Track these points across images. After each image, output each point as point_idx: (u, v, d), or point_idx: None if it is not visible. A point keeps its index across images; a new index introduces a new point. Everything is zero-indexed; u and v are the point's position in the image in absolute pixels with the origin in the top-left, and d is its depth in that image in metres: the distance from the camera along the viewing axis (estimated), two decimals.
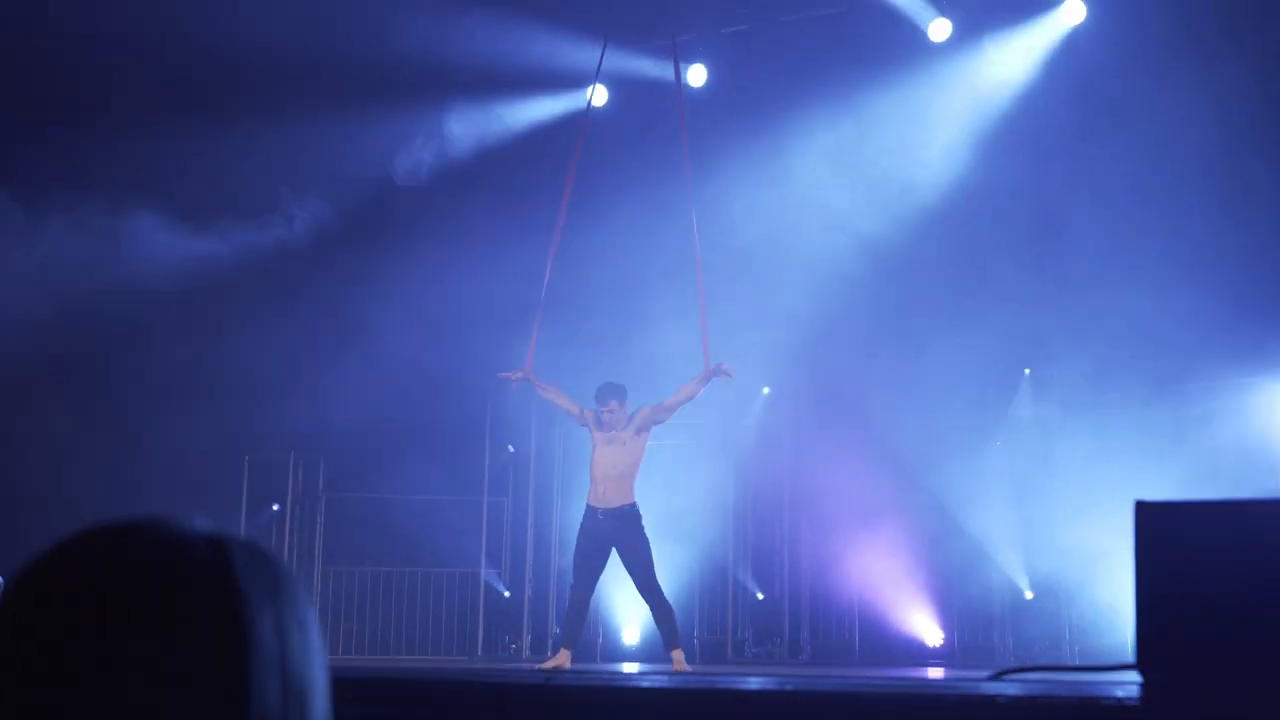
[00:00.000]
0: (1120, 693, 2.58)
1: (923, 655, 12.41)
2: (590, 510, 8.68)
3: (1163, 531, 2.80)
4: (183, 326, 11.67)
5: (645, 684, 2.98)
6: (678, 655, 8.36)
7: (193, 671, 1.10)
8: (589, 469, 8.82)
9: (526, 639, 13.56)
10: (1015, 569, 12.39)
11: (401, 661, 12.34)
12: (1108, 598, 11.20)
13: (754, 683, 2.85)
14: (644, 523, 8.68)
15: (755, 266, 12.17)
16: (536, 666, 8.58)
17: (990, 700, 2.59)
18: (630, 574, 8.63)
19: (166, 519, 1.20)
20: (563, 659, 8.39)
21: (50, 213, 10.80)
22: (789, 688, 2.79)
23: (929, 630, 12.64)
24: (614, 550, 8.64)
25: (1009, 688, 2.65)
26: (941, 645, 12.58)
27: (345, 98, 11.37)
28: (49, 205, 10.76)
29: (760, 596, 13.39)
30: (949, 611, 12.67)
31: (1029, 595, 12.36)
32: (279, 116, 10.99)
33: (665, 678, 3.02)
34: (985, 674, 2.96)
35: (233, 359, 11.65)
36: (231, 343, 11.64)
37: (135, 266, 10.98)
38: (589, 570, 8.62)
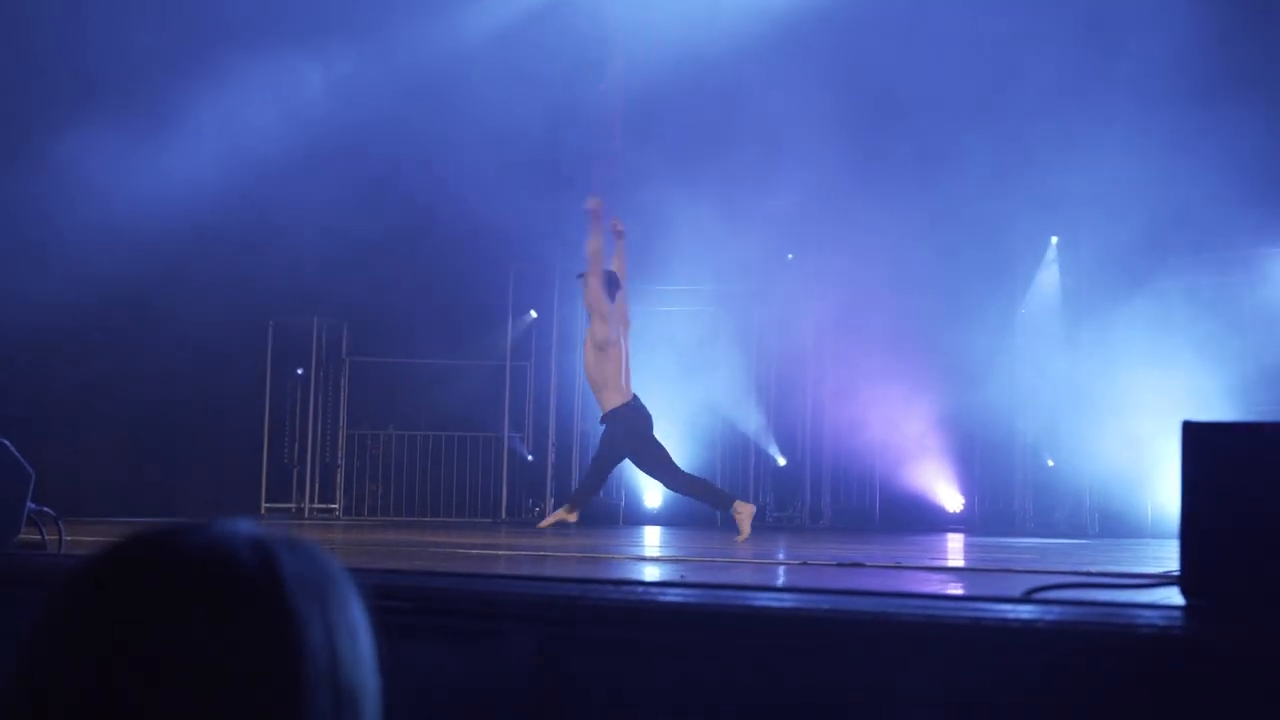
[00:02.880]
0: (1162, 619, 2.55)
1: (943, 521, 12.51)
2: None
3: (1210, 453, 2.74)
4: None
5: (671, 598, 2.97)
6: (740, 508, 8.05)
7: (243, 685, 1.08)
8: None
9: (550, 502, 13.69)
10: (1037, 437, 12.41)
11: (426, 522, 12.51)
12: (1128, 466, 11.23)
13: (789, 600, 2.84)
14: (629, 419, 8.21)
15: (772, 133, 11.93)
16: (538, 525, 8.59)
17: (1029, 626, 2.57)
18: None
19: (209, 524, 1.16)
20: (565, 514, 8.30)
21: None
22: (826, 606, 2.78)
23: (949, 497, 12.72)
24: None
25: (1047, 612, 2.62)
26: (962, 511, 12.67)
27: None
28: None
29: (782, 462, 13.47)
30: (970, 478, 12.74)
31: (1050, 463, 12.39)
32: None
33: (695, 592, 3.01)
34: (1016, 593, 2.93)
35: (257, 224, 11.57)
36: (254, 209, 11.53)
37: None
38: (608, 461, 8.52)
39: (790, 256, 13.44)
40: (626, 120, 9.33)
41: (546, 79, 11.61)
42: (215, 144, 11.05)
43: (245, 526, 1.17)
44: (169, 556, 1.12)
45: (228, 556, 1.12)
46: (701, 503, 8.55)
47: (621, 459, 8.44)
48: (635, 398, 8.29)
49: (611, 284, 8.27)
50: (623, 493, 13.48)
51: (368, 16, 11.61)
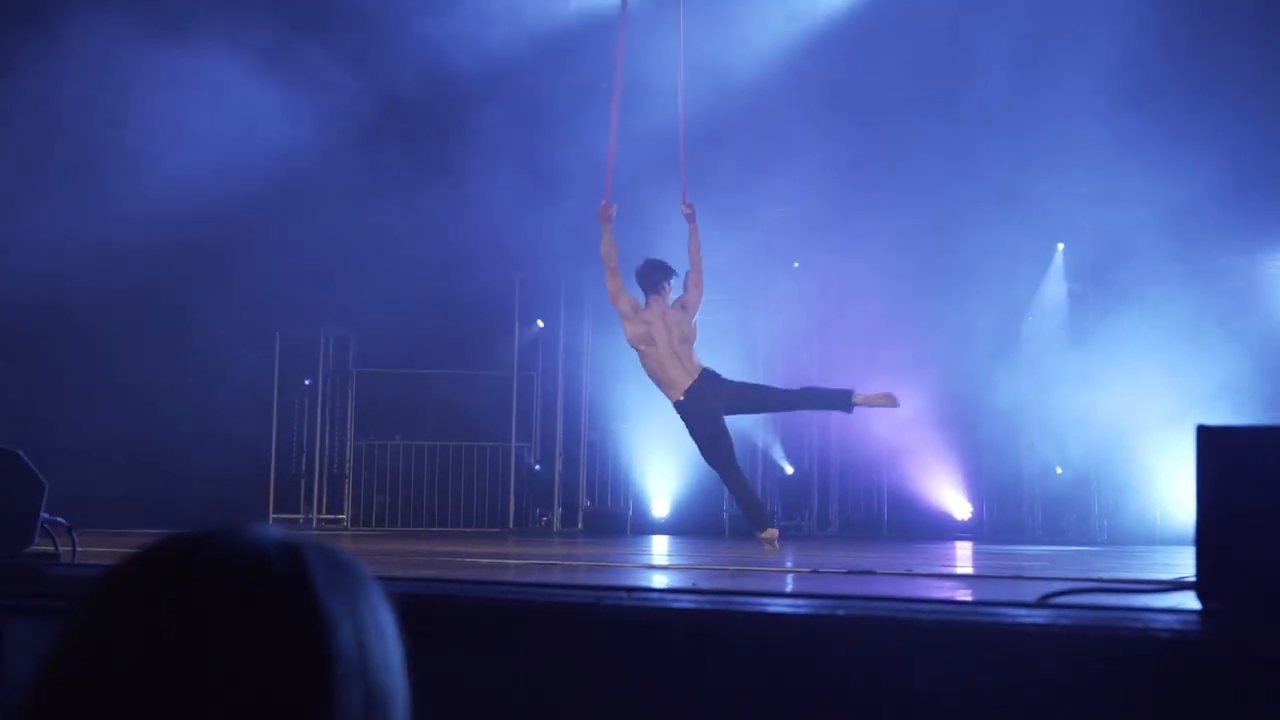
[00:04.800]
0: (1179, 623, 2.55)
1: (951, 530, 12.49)
2: None
3: (1224, 456, 2.74)
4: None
5: (685, 604, 2.98)
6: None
7: (275, 684, 1.09)
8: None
9: (557, 512, 13.70)
10: (1045, 445, 12.39)
11: (434, 532, 12.51)
12: (1136, 474, 11.22)
13: (804, 606, 2.84)
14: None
15: (782, 142, 11.93)
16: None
17: (1045, 630, 2.57)
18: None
19: (238, 528, 1.17)
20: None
21: None
22: (841, 613, 2.78)
23: (957, 505, 12.70)
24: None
25: (1062, 616, 2.62)
26: (970, 520, 12.65)
27: None
28: None
29: (789, 470, 13.46)
30: (978, 486, 12.71)
31: (1059, 470, 12.38)
32: None
33: (709, 599, 3.02)
34: (1030, 598, 2.93)
35: (264, 236, 11.58)
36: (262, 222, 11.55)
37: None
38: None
39: (796, 264, 13.44)
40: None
41: (554, 89, 11.63)
42: (220, 154, 11.05)
43: (274, 530, 1.18)
44: (202, 559, 1.13)
45: (259, 558, 1.14)
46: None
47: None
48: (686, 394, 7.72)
49: (645, 282, 7.61)
50: (630, 502, 13.48)
51: (375, 26, 11.63)
